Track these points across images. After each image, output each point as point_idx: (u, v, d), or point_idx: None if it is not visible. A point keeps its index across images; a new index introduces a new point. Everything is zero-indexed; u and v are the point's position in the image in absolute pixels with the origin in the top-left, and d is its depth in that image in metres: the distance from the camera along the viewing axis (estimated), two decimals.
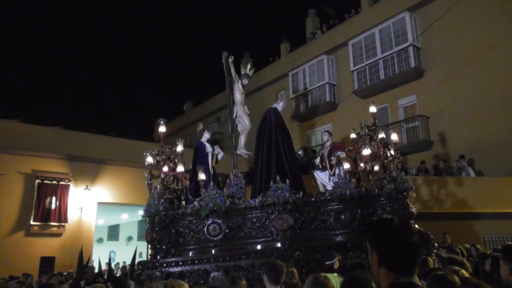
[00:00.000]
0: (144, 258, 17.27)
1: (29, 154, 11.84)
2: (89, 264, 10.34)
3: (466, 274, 3.13)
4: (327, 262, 4.71)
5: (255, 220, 5.99)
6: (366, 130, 6.84)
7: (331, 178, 7.03)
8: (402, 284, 1.50)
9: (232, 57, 7.73)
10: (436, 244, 6.00)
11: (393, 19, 14.71)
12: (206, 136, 7.66)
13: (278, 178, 5.95)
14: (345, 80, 16.53)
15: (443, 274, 2.45)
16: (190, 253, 5.94)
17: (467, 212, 10.08)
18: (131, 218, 17.73)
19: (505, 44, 12.13)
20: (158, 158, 6.58)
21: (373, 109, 7.25)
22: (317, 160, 7.98)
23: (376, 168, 6.50)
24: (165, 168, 6.35)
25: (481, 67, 12.57)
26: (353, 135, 7.35)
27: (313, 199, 6.05)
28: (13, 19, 37.90)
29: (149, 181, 6.53)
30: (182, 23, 44.00)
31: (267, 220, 5.87)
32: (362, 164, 6.62)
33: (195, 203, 6.07)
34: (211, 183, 6.31)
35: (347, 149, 7.30)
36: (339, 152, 7.30)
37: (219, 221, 5.90)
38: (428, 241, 5.84)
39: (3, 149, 11.38)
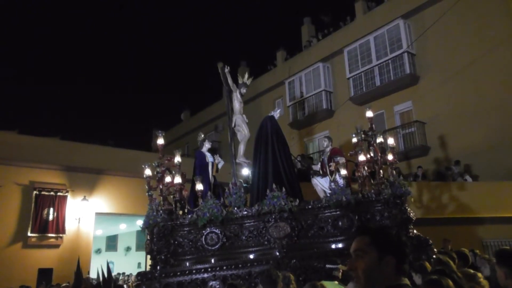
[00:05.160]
0: (142, 268, 17.17)
1: (26, 165, 11.80)
2: (87, 275, 10.27)
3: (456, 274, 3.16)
4: (327, 265, 4.70)
5: (252, 228, 6.03)
6: (362, 136, 6.88)
7: (331, 184, 7.02)
8: (401, 286, 1.61)
9: (228, 67, 7.80)
10: (435, 250, 6.00)
11: (387, 26, 14.85)
12: (206, 146, 7.74)
13: (274, 186, 5.98)
14: (341, 87, 16.62)
15: (436, 278, 2.48)
16: (187, 263, 5.97)
17: (466, 217, 10.09)
18: (129, 228, 17.65)
19: (499, 49, 12.24)
20: (158, 169, 6.64)
21: (369, 113, 7.29)
22: (318, 166, 8.01)
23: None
24: (168, 179, 6.42)
25: (476, 72, 12.67)
26: (354, 140, 7.36)
27: (309, 207, 6.07)
28: (10, 28, 38.06)
29: (148, 193, 6.58)
30: (179, 32, 44.27)
31: (264, 229, 5.90)
32: (365, 168, 6.61)
33: (194, 213, 6.12)
34: (209, 193, 6.34)
35: (349, 154, 7.31)
36: (338, 158, 7.32)
37: (217, 230, 5.95)
38: (427, 246, 5.85)
39: (0, 160, 11.36)
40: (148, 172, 6.64)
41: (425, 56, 14.20)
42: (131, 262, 19.39)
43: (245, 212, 6.05)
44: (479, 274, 3.15)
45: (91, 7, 41.16)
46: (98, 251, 19.11)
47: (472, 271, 3.30)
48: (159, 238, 5.94)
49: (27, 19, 38.26)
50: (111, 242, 20.38)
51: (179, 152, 6.73)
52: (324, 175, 7.59)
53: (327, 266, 4.75)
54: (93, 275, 11.23)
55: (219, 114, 20.70)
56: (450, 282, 2.62)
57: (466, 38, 13.04)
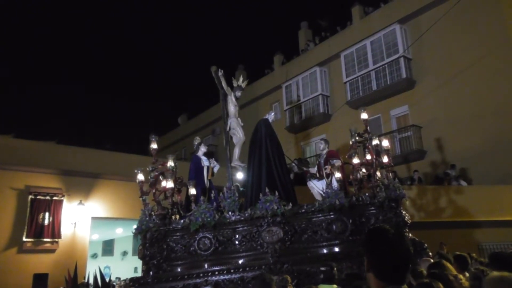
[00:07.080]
0: (139, 273, 17.06)
1: (22, 170, 11.73)
2: (82, 280, 10.20)
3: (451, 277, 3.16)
4: (322, 268, 4.67)
5: (245, 233, 5.98)
6: (357, 138, 6.87)
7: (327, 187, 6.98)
8: None
9: (222, 70, 7.80)
10: (430, 254, 5.97)
11: (384, 31, 14.92)
12: (202, 150, 7.72)
13: (267, 190, 5.94)
14: (338, 91, 16.67)
15: (427, 282, 2.48)
16: (179, 268, 5.93)
17: (463, 221, 10.09)
18: (126, 233, 17.52)
19: (494, 53, 12.29)
20: (151, 174, 6.60)
21: (364, 115, 7.25)
22: (315, 169, 7.97)
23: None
24: (164, 183, 6.39)
25: (472, 76, 12.72)
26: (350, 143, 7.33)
27: (303, 211, 6.02)
28: (6, 31, 38.08)
29: (142, 197, 6.54)
30: (177, 36, 44.38)
31: (257, 233, 5.86)
32: (363, 170, 6.56)
33: (187, 218, 6.09)
34: (202, 198, 6.31)
35: (346, 156, 7.29)
36: (334, 160, 7.30)
37: (209, 235, 5.91)
38: (422, 250, 5.82)
39: None
40: (140, 177, 6.57)
41: (421, 60, 14.26)
42: (127, 266, 19.26)
43: (238, 217, 6.00)
44: (460, 276, 3.16)
45: (91, 8, 41.27)
46: (94, 255, 18.97)
47: (453, 273, 3.29)
48: (152, 243, 5.90)
49: (27, 19, 38.31)
50: (108, 247, 20.23)
51: (172, 157, 6.68)
52: (320, 178, 7.57)
53: (321, 269, 4.71)
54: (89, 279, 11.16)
55: (216, 118, 20.69)
56: (441, 286, 2.62)
57: (462, 43, 13.11)
